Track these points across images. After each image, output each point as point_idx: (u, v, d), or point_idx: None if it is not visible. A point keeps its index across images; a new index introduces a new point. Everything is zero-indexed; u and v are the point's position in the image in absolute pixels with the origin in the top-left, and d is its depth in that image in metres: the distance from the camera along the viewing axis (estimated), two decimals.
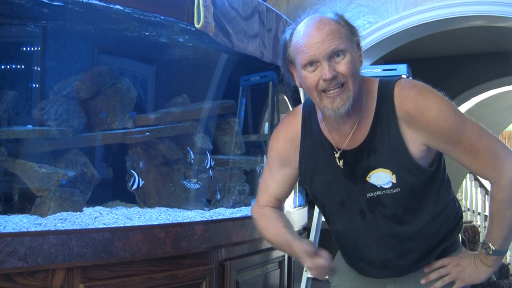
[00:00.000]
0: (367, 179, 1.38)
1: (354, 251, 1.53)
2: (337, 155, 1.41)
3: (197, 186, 2.61)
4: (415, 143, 1.33)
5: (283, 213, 1.62)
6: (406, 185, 1.36)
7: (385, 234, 1.43)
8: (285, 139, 1.52)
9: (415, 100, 1.31)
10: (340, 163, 1.41)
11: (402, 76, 3.01)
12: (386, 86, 1.36)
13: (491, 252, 1.38)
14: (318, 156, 1.46)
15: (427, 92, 1.33)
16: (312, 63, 1.30)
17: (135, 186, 2.37)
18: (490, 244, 1.38)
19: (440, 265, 1.46)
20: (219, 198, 2.66)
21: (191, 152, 2.51)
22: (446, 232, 1.46)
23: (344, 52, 1.29)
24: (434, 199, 1.42)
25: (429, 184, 1.39)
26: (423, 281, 1.46)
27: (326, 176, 1.46)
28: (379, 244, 1.45)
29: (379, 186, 1.37)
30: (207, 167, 2.66)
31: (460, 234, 1.53)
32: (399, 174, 1.35)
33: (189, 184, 2.60)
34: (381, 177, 1.36)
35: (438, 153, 1.39)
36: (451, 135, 1.30)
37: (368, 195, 1.39)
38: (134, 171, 2.38)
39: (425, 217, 1.41)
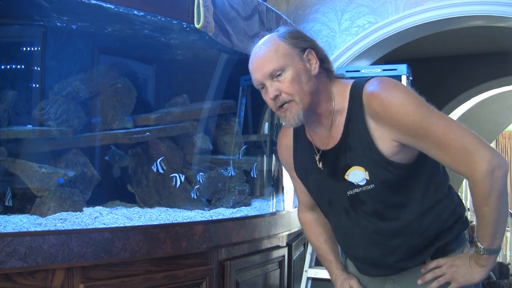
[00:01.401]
0: (346, 177, 1.42)
1: (346, 249, 1.59)
2: (317, 157, 1.48)
3: (234, 174, 2.69)
4: (384, 139, 1.35)
5: (323, 218, 1.67)
6: (380, 181, 1.38)
7: (369, 231, 1.45)
8: (284, 147, 1.63)
9: (379, 96, 1.33)
10: (320, 165, 1.47)
11: (402, 75, 3.02)
12: (357, 85, 1.40)
13: (481, 252, 1.37)
14: (307, 158, 1.53)
15: (391, 87, 1.34)
16: (261, 86, 1.42)
17: (178, 183, 2.44)
18: (478, 243, 1.37)
19: (435, 265, 1.45)
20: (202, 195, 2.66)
21: (158, 165, 2.41)
22: (440, 229, 1.45)
23: (283, 69, 1.37)
24: (421, 196, 1.41)
25: (413, 179, 1.40)
26: (419, 282, 1.46)
27: (315, 176, 1.52)
28: (364, 241, 1.48)
29: (356, 184, 1.41)
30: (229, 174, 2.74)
31: (466, 233, 1.52)
32: (371, 170, 1.38)
33: (226, 172, 2.65)
34: (357, 175, 1.40)
35: None
36: (416, 130, 1.31)
37: (348, 193, 1.43)
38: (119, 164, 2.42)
39: (410, 213, 1.42)
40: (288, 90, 1.37)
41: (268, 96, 1.40)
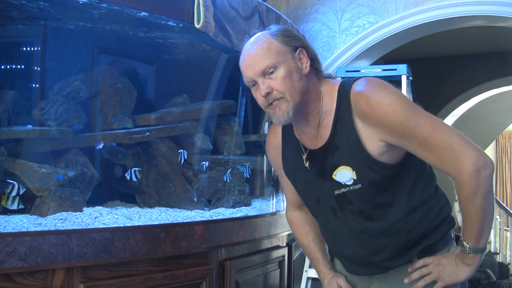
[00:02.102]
0: (333, 176, 1.43)
1: (334, 248, 1.60)
2: (304, 156, 1.49)
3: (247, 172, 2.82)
4: (372, 139, 1.36)
5: (310, 217, 1.69)
6: (367, 181, 1.39)
7: (356, 230, 1.46)
8: (272, 146, 1.64)
9: (366, 97, 1.34)
10: (307, 164, 1.48)
11: (402, 75, 3.02)
12: (345, 85, 1.41)
13: (467, 251, 1.38)
14: (296, 158, 1.54)
15: (378, 88, 1.35)
16: (252, 83, 1.41)
17: (182, 160, 2.51)
18: (464, 243, 1.38)
19: (421, 264, 1.46)
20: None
21: (132, 173, 2.37)
22: (426, 229, 1.46)
23: (275, 67, 1.37)
24: (407, 195, 1.42)
25: (399, 180, 1.41)
26: (406, 281, 1.47)
27: (303, 176, 1.53)
28: (352, 241, 1.48)
29: (343, 183, 1.42)
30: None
31: (452, 232, 1.54)
32: (359, 170, 1.38)
33: (242, 168, 2.74)
34: (344, 174, 1.41)
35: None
36: (403, 130, 1.31)
37: (336, 192, 1.44)
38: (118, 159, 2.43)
39: (396, 213, 1.43)
40: (280, 88, 1.37)
41: (259, 93, 1.40)
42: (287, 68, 1.38)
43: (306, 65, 1.42)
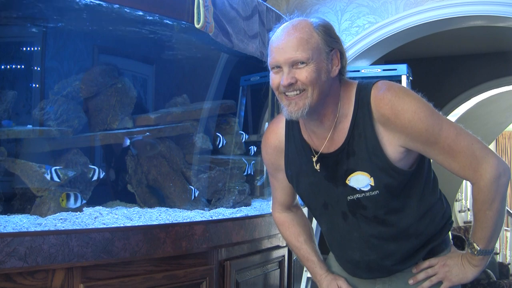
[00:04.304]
0: (347, 182, 1.40)
1: (339, 252, 1.56)
2: (314, 159, 1.44)
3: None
4: (392, 145, 1.34)
5: (300, 218, 1.68)
6: (384, 187, 1.37)
7: (367, 235, 1.45)
8: (270, 146, 1.58)
9: (390, 103, 1.32)
10: (317, 167, 1.44)
11: (402, 75, 3.02)
12: (364, 89, 1.38)
13: (476, 252, 1.39)
14: (301, 160, 1.49)
15: (402, 94, 1.34)
16: (276, 66, 1.35)
17: (220, 145, 2.60)
18: (475, 244, 1.39)
19: (427, 265, 1.47)
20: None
21: (53, 173, 2.04)
22: (433, 232, 1.46)
23: (308, 62, 1.32)
24: (418, 201, 1.42)
25: (411, 185, 1.40)
26: (411, 282, 1.47)
27: (309, 179, 1.49)
28: (361, 245, 1.47)
29: (358, 189, 1.39)
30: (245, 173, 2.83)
31: (450, 233, 1.54)
32: (377, 176, 1.36)
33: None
34: (360, 180, 1.38)
35: (419, 154, 1.39)
36: (427, 137, 1.31)
37: (349, 197, 1.41)
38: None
39: (409, 218, 1.42)
40: (305, 80, 1.32)
41: (280, 79, 1.34)
42: (318, 66, 1.33)
43: (335, 68, 1.38)
